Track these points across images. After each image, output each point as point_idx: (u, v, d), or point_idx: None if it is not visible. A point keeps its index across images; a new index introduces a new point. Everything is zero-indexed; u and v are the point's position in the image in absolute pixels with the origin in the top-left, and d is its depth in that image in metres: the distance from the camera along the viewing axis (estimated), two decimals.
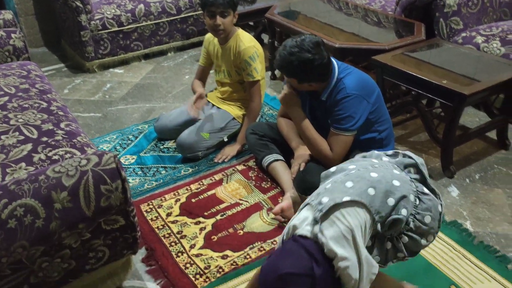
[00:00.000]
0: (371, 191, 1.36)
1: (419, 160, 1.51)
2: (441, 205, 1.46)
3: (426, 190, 1.45)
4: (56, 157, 1.75)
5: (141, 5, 3.74)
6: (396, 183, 1.39)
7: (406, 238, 1.41)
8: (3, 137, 1.85)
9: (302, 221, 1.39)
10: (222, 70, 2.64)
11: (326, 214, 1.34)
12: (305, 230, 1.36)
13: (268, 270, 1.34)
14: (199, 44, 4.07)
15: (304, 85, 2.02)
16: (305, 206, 1.45)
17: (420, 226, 1.40)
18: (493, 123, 2.48)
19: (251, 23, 3.93)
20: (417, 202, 1.41)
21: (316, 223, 1.34)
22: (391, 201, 1.36)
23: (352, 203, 1.34)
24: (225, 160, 2.51)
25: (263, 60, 2.60)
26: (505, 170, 2.36)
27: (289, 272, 1.29)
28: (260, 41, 3.86)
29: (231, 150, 2.55)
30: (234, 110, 2.65)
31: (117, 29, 3.67)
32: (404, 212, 1.37)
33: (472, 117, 2.83)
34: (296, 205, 2.08)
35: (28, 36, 4.14)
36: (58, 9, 3.81)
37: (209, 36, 2.67)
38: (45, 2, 4.08)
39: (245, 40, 2.52)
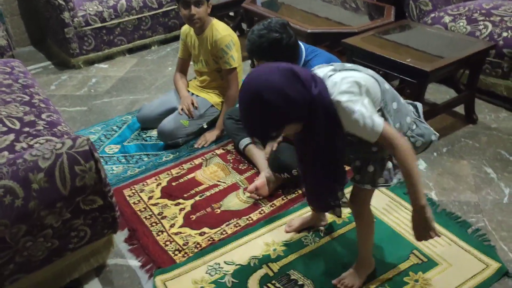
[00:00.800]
0: (386, 86, 1.44)
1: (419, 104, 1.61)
2: (435, 135, 1.56)
3: (423, 120, 1.56)
4: (37, 145, 1.85)
5: (123, 1, 3.82)
6: (401, 99, 1.51)
7: None
8: None
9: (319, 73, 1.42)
10: (200, 60, 2.73)
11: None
12: (319, 72, 1.40)
13: (274, 64, 1.33)
14: None
15: None
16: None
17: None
18: (460, 98, 2.59)
19: (231, 13, 4.01)
20: (414, 126, 1.52)
21: (334, 71, 1.38)
22: (395, 105, 1.45)
23: (371, 78, 1.40)
24: (205, 146, 2.62)
25: (239, 48, 2.70)
26: (471, 142, 2.47)
27: (294, 70, 1.28)
28: (241, 30, 3.96)
29: (210, 135, 2.66)
30: (213, 98, 2.75)
31: (100, 25, 3.76)
32: (402, 125, 1.47)
33: (443, 95, 2.93)
34: (271, 184, 2.19)
35: (14, 36, 4.23)
36: (41, 7, 3.89)
37: (185, 28, 2.77)
38: (29, 2, 4.17)
39: (221, 30, 2.61)
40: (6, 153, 1.81)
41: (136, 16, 3.89)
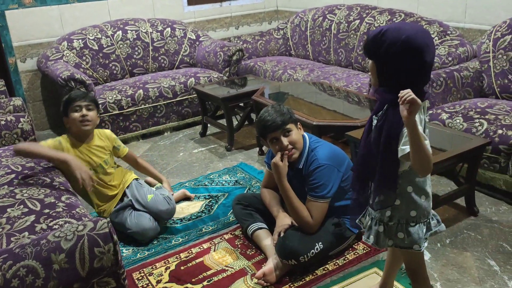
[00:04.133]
0: None
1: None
2: (418, 246, 1.73)
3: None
4: (56, 226, 1.94)
5: (140, 90, 4.09)
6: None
7: None
8: (9, 209, 2.05)
9: None
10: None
11: None
12: None
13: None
14: (194, 124, 4.42)
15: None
16: None
17: None
18: (460, 191, 2.69)
19: (241, 104, 4.25)
20: (423, 227, 1.74)
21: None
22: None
23: None
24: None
25: None
26: (474, 234, 2.53)
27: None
28: (249, 119, 4.18)
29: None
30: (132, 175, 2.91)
31: (117, 112, 3.99)
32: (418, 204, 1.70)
33: (444, 187, 3.03)
34: (278, 270, 2.23)
35: (35, 120, 4.47)
36: (64, 95, 4.14)
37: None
38: (51, 89, 4.45)
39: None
40: (26, 233, 1.89)
41: (151, 105, 4.14)
